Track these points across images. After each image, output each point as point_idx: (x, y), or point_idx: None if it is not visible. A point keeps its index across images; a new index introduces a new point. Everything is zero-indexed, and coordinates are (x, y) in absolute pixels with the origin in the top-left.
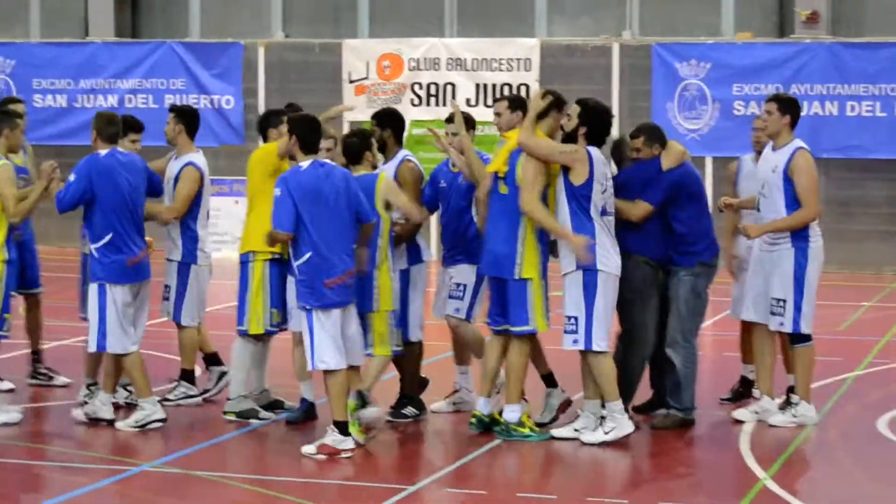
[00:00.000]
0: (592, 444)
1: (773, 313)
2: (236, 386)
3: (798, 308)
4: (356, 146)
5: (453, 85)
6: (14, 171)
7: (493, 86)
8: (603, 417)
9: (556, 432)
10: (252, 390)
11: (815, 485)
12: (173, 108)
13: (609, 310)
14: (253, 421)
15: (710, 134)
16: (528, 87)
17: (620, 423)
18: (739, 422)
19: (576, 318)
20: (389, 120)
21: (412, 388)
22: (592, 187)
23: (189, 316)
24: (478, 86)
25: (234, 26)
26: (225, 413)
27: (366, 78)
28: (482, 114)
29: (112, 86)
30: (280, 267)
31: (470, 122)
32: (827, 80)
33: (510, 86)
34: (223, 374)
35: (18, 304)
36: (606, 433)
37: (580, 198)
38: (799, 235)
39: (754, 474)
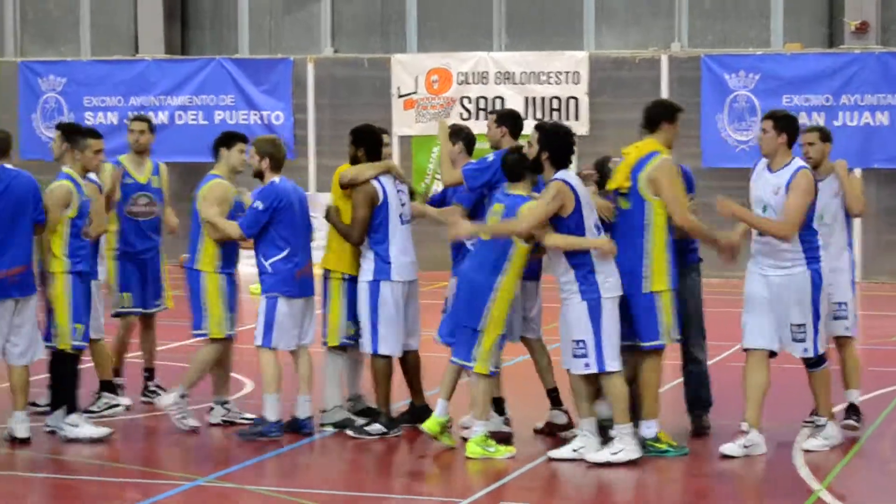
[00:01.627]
0: (597, 464)
1: (795, 339)
2: (330, 398)
3: (816, 331)
4: (514, 163)
5: (502, 99)
6: (74, 193)
7: (542, 99)
8: (611, 438)
9: (553, 453)
10: (345, 399)
11: (870, 496)
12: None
13: (616, 329)
14: (349, 431)
15: (756, 147)
16: (577, 100)
17: (629, 446)
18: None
19: (584, 342)
20: (364, 138)
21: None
22: (582, 213)
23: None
24: (526, 99)
25: (283, 42)
26: (322, 425)
27: (415, 92)
28: (530, 128)
29: (162, 103)
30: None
31: (459, 135)
32: (877, 91)
33: (559, 99)
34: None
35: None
36: (614, 454)
37: (573, 228)
38: (812, 257)
39: (808, 486)
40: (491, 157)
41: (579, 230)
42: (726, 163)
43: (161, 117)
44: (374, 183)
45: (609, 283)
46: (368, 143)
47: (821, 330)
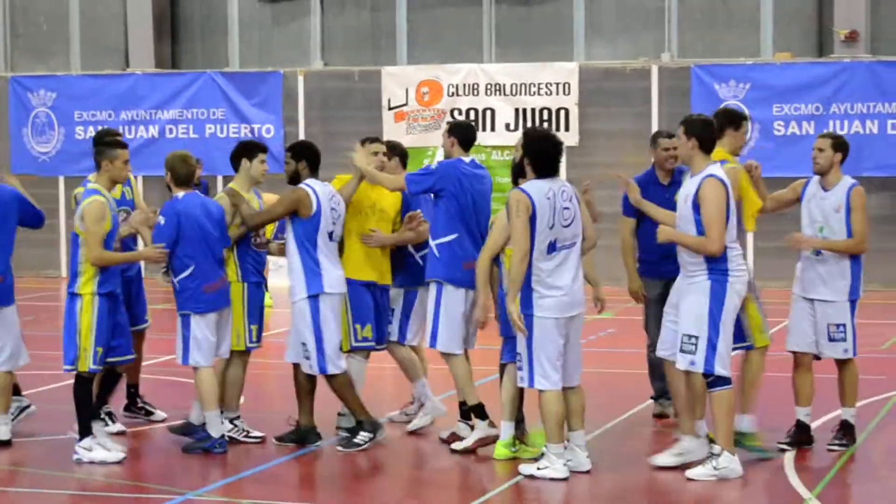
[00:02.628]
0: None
1: (683, 350)
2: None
3: (713, 347)
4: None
5: (493, 110)
6: (108, 206)
7: (533, 110)
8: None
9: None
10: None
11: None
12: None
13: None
14: (339, 447)
15: (749, 155)
16: (567, 110)
17: (554, 465)
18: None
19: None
20: (304, 152)
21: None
22: (535, 227)
23: None
24: (517, 110)
25: (273, 55)
26: (337, 428)
27: (405, 104)
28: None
29: (153, 116)
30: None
31: (395, 150)
32: (867, 99)
33: (549, 110)
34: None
35: None
36: (539, 469)
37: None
38: (717, 268)
39: (799, 494)
40: (434, 165)
41: (532, 241)
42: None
43: (152, 131)
44: (311, 193)
45: (545, 302)
46: (308, 156)
47: (721, 348)
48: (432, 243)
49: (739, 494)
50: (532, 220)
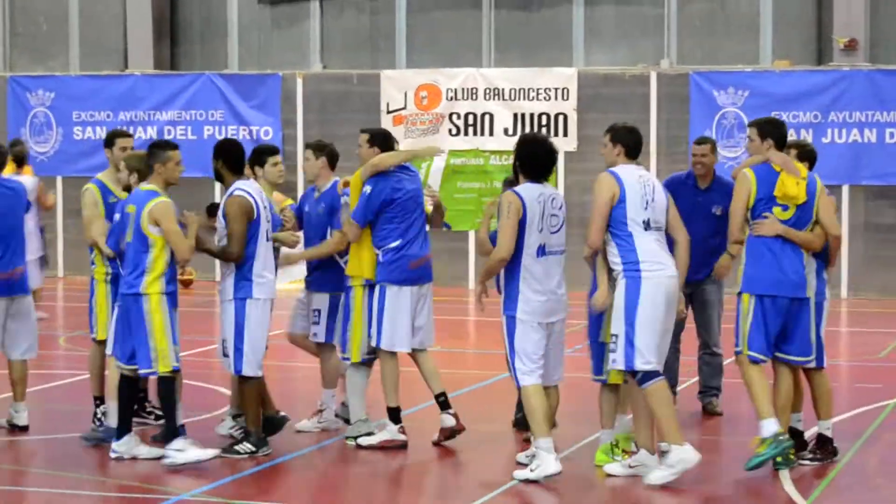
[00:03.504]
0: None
1: (609, 350)
2: (355, 411)
3: (630, 343)
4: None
5: (491, 115)
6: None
7: (531, 115)
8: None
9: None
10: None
11: None
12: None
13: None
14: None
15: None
16: (565, 116)
17: (545, 461)
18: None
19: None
20: (223, 151)
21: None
22: (525, 227)
23: None
24: (516, 115)
25: (272, 57)
26: (347, 438)
27: (403, 108)
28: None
29: (151, 117)
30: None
31: (324, 150)
32: (866, 108)
33: (548, 115)
34: None
35: None
36: (532, 470)
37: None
38: (630, 266)
39: (794, 502)
40: (368, 188)
41: (521, 241)
42: None
43: (150, 132)
44: (249, 197)
45: (527, 305)
46: (225, 155)
47: (639, 344)
48: (377, 250)
49: (735, 502)
50: (522, 222)
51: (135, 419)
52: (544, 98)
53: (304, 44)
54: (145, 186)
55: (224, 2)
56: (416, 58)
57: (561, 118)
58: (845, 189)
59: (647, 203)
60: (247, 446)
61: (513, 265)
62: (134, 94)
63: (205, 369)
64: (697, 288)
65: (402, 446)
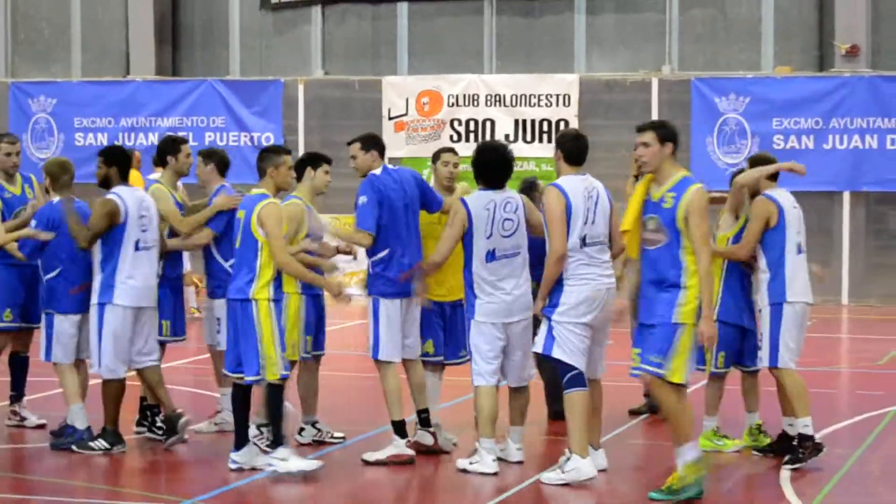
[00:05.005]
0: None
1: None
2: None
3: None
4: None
5: (492, 121)
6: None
7: (533, 122)
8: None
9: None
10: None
11: None
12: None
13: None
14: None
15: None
16: (567, 122)
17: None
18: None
19: None
20: (114, 157)
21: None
22: (473, 235)
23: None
24: (517, 122)
25: (273, 64)
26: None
27: (405, 114)
28: (521, 150)
29: (153, 124)
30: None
31: (213, 157)
32: (867, 114)
33: (549, 121)
34: None
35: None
36: (471, 464)
37: (465, 245)
38: (561, 276)
39: None
40: (364, 198)
41: (469, 250)
42: (716, 185)
43: (151, 138)
44: (119, 202)
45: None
46: (119, 162)
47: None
48: (368, 260)
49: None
50: (469, 230)
51: (144, 433)
52: (546, 104)
53: (306, 50)
54: (256, 190)
55: (226, 7)
56: (417, 64)
57: (562, 124)
58: (846, 195)
59: (586, 219)
60: (101, 444)
61: (466, 271)
62: (136, 100)
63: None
64: None
65: (410, 461)
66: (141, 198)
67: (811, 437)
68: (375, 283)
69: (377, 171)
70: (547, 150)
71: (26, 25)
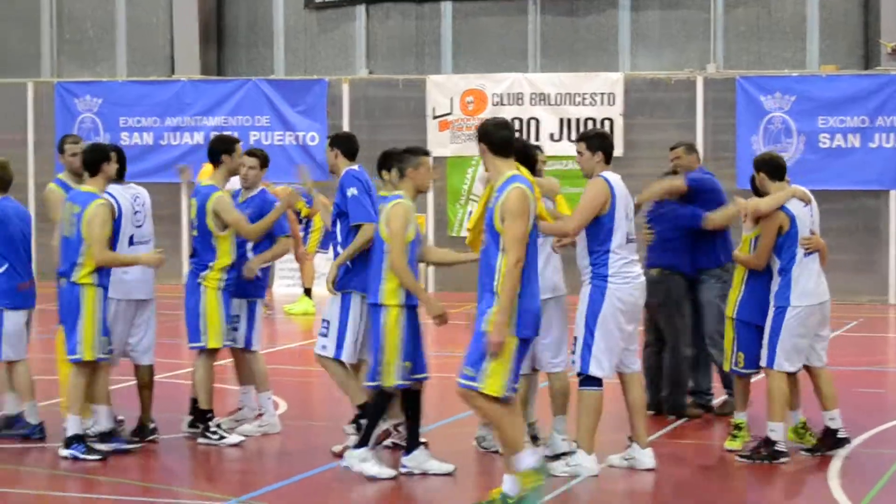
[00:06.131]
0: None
1: (571, 352)
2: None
3: (588, 347)
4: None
5: (537, 120)
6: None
7: (577, 120)
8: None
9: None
10: None
11: None
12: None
13: None
14: None
15: (795, 167)
16: (611, 121)
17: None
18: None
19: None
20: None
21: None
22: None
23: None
24: (561, 121)
25: (318, 63)
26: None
27: (449, 113)
28: (566, 149)
29: (198, 123)
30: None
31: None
32: None
33: (594, 120)
34: None
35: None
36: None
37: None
38: (597, 274)
39: None
40: (351, 192)
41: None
42: None
43: (196, 138)
44: (112, 201)
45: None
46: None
47: (595, 351)
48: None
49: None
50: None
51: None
52: (590, 103)
53: (350, 49)
54: (384, 192)
55: (270, 7)
56: (461, 63)
57: (607, 123)
58: (893, 194)
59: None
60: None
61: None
62: (181, 99)
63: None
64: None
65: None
66: (135, 195)
67: (775, 443)
68: (352, 279)
69: (355, 167)
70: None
71: (71, 26)
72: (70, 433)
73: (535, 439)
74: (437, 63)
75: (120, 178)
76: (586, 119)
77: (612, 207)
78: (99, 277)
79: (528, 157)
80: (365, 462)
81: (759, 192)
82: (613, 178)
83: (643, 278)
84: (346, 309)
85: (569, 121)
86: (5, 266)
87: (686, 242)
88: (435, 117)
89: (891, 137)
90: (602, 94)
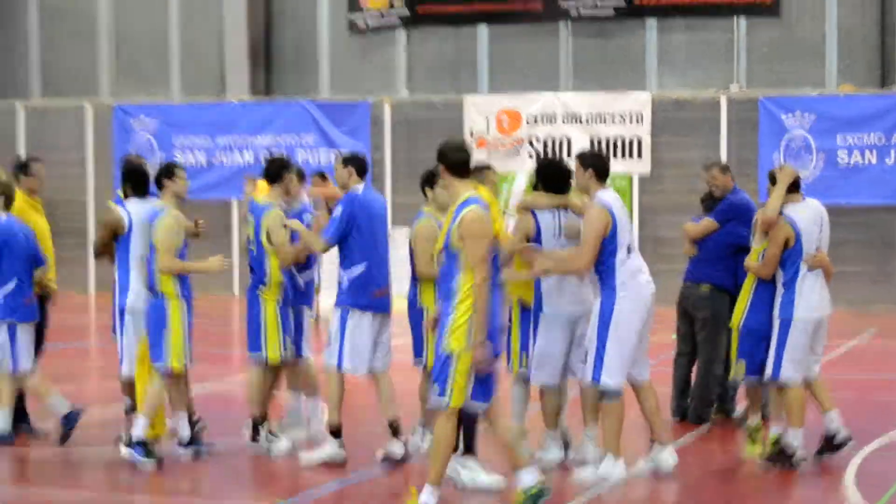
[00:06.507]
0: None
1: (582, 362)
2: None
3: (600, 358)
4: None
5: (569, 138)
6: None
7: (608, 139)
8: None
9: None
10: None
11: None
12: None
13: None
14: None
15: (815, 184)
16: (640, 139)
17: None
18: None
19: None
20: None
21: None
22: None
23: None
24: (592, 139)
25: (361, 84)
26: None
27: (486, 132)
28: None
29: (247, 142)
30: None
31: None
32: None
33: (623, 138)
34: None
35: None
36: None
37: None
38: (606, 285)
39: None
40: (338, 211)
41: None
42: None
43: (247, 156)
44: (124, 214)
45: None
46: (131, 179)
47: (608, 361)
48: (343, 273)
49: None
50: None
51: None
52: (619, 122)
53: (391, 71)
54: (428, 209)
55: (315, 31)
56: (497, 84)
57: (636, 142)
58: None
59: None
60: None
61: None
62: (231, 119)
63: None
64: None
65: (342, 463)
66: (149, 211)
67: (794, 448)
68: (346, 296)
69: (360, 189)
70: (622, 165)
71: (128, 51)
72: (136, 436)
73: (566, 446)
74: (473, 84)
75: (143, 194)
76: (616, 137)
77: (614, 229)
78: (181, 289)
79: (562, 175)
80: (469, 470)
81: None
82: (610, 199)
83: (652, 286)
84: (343, 322)
85: (599, 140)
86: (14, 282)
87: (732, 262)
88: (472, 136)
89: None
90: (631, 113)
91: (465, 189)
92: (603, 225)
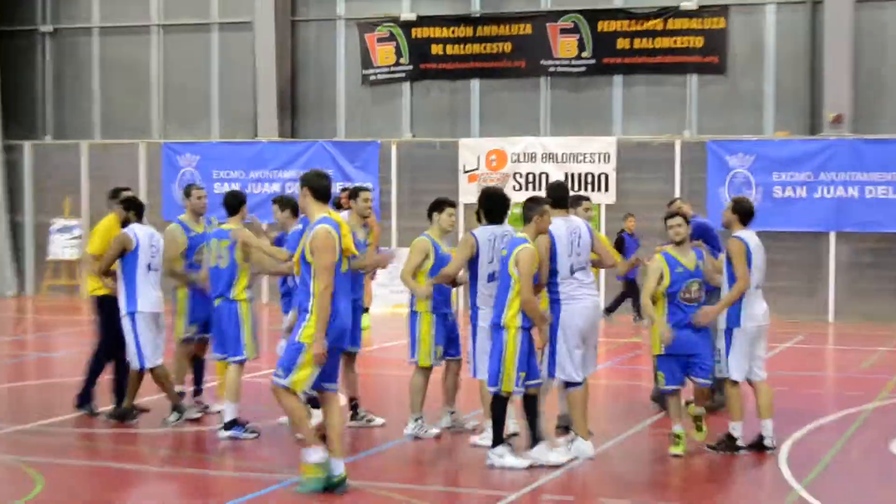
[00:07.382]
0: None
1: (539, 361)
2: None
3: (552, 356)
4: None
5: (546, 174)
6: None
7: (580, 175)
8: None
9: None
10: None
11: (841, 494)
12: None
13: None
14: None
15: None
16: (607, 175)
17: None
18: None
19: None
20: (131, 204)
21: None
22: (478, 263)
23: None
24: (566, 175)
25: (372, 127)
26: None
27: (477, 168)
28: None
29: (275, 176)
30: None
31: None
32: (850, 169)
33: (593, 174)
34: None
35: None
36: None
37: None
38: (553, 299)
39: (790, 485)
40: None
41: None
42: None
43: (274, 187)
44: (132, 235)
45: None
46: (134, 207)
47: (558, 359)
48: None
49: (732, 481)
50: (476, 256)
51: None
52: (590, 161)
53: (398, 116)
54: (521, 234)
55: (334, 81)
56: (487, 128)
57: (603, 177)
58: (832, 235)
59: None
60: (174, 416)
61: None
62: (262, 156)
63: None
64: None
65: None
66: (151, 234)
67: (736, 438)
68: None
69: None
70: (592, 197)
71: (175, 99)
72: (228, 418)
73: (566, 430)
74: (467, 128)
75: (140, 219)
76: (586, 173)
77: (554, 252)
78: (249, 293)
79: (563, 200)
80: (503, 457)
81: (727, 225)
82: (556, 227)
83: (592, 301)
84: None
85: (572, 175)
86: None
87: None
88: (465, 172)
89: (830, 189)
90: (600, 153)
91: (320, 211)
92: (544, 249)
